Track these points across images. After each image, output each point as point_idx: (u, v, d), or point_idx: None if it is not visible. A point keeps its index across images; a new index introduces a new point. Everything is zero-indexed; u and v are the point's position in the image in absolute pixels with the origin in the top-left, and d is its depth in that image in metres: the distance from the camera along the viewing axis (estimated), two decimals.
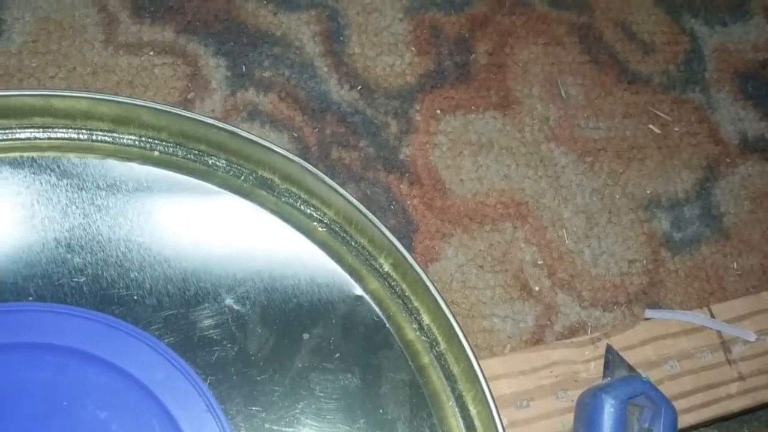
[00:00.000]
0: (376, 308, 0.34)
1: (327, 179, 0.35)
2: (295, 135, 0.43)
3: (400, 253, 0.34)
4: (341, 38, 0.47)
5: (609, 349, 0.36)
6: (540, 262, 0.44)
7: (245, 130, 0.35)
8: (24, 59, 0.41)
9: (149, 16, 0.44)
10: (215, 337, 0.32)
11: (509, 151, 0.47)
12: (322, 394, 0.31)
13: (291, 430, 0.31)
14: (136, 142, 0.36)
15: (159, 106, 0.35)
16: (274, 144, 0.35)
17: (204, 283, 0.33)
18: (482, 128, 0.47)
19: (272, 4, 0.47)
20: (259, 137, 0.35)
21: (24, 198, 0.33)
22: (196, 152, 0.36)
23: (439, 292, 0.33)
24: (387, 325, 0.34)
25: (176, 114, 0.35)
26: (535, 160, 0.47)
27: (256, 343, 0.32)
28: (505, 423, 0.33)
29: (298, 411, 0.31)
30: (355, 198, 0.35)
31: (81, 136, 0.35)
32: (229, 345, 0.32)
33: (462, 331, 0.32)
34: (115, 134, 0.36)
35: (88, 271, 0.32)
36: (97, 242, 0.33)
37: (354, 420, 0.31)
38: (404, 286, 0.35)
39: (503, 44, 0.50)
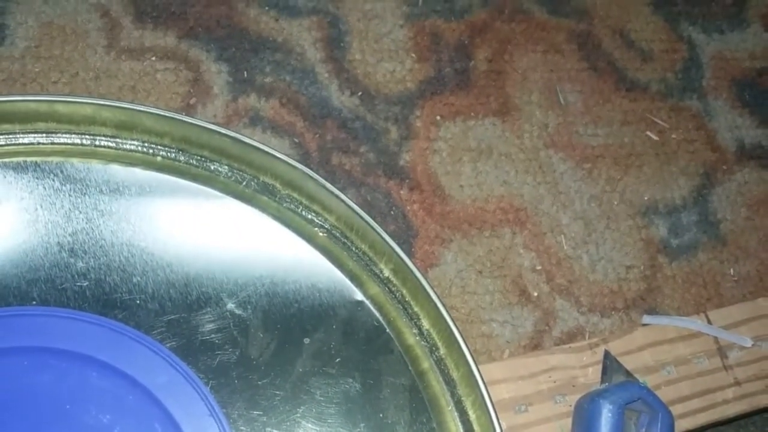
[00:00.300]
0: (377, 313, 0.35)
1: (328, 185, 0.35)
2: (296, 141, 0.44)
3: (401, 258, 0.35)
4: (342, 44, 0.47)
5: (607, 355, 0.36)
6: (538, 268, 0.44)
7: (247, 136, 0.35)
8: (27, 64, 0.42)
9: (151, 21, 0.44)
10: (217, 341, 0.32)
11: (508, 158, 0.47)
12: (322, 399, 0.32)
13: None
14: (139, 148, 0.36)
15: (162, 112, 0.35)
16: (275, 150, 0.35)
17: (206, 288, 0.33)
18: (482, 134, 0.47)
19: (274, 11, 0.47)
20: (261, 143, 0.35)
21: (27, 202, 0.33)
22: (199, 158, 0.36)
23: (438, 298, 0.34)
24: (387, 330, 0.34)
25: (179, 120, 0.35)
26: (533, 167, 0.47)
27: (258, 347, 0.32)
28: (504, 427, 0.34)
29: (298, 415, 0.31)
30: (356, 203, 0.35)
31: (84, 141, 0.36)
32: (230, 349, 0.32)
33: (461, 337, 0.33)
34: (118, 139, 0.36)
35: (91, 275, 0.32)
36: (100, 247, 0.33)
37: (354, 424, 0.31)
38: (404, 291, 0.35)
39: (503, 51, 0.50)
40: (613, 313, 0.43)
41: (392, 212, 0.43)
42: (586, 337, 0.41)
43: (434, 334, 0.35)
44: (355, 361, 0.33)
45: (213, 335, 0.32)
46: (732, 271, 0.47)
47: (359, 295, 0.35)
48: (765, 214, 0.50)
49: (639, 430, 0.34)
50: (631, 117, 0.51)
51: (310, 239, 0.36)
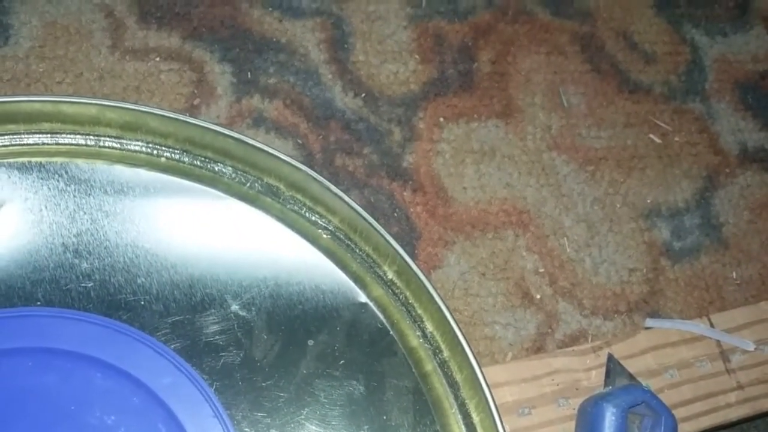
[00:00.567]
0: (380, 315, 0.35)
1: (332, 187, 0.35)
2: (300, 142, 0.44)
3: (404, 260, 0.35)
4: (346, 46, 0.47)
5: (610, 358, 0.36)
6: (541, 270, 0.44)
7: (250, 137, 0.35)
8: (31, 64, 0.42)
9: (156, 21, 0.44)
10: (221, 342, 0.32)
11: (511, 160, 0.47)
12: (326, 401, 0.32)
13: None
14: (144, 149, 0.36)
15: (166, 113, 0.35)
16: (279, 151, 0.36)
17: (210, 289, 0.33)
18: (485, 136, 0.47)
19: (278, 11, 0.47)
20: (265, 144, 0.35)
21: (32, 203, 0.33)
22: (203, 159, 0.37)
23: (442, 300, 0.34)
24: (391, 332, 0.34)
25: (183, 121, 0.35)
26: (536, 169, 0.47)
27: (262, 349, 0.32)
28: (507, 430, 0.34)
29: (302, 417, 0.31)
30: (359, 205, 0.35)
31: (89, 142, 0.36)
32: (234, 351, 0.32)
33: (465, 339, 0.33)
34: (122, 140, 0.36)
35: (95, 276, 0.32)
36: (105, 248, 0.33)
37: (358, 426, 0.32)
38: (408, 293, 0.35)
39: (506, 53, 0.50)
40: (615, 316, 0.43)
41: (395, 214, 0.43)
42: (589, 340, 0.41)
43: (438, 337, 0.35)
44: (358, 363, 0.33)
45: (217, 337, 0.32)
46: (734, 274, 0.47)
47: (363, 297, 0.35)
48: (767, 218, 0.50)
49: None
50: (634, 119, 0.51)
51: (313, 241, 0.36)
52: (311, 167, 0.35)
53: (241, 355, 0.32)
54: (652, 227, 0.48)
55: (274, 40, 0.46)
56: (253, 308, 0.33)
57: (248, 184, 0.37)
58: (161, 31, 0.44)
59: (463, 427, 0.33)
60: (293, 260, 0.35)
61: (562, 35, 0.52)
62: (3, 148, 0.35)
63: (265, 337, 0.33)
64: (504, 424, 0.32)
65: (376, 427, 0.32)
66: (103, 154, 0.36)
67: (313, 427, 0.31)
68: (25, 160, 0.35)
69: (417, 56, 0.49)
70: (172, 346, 0.31)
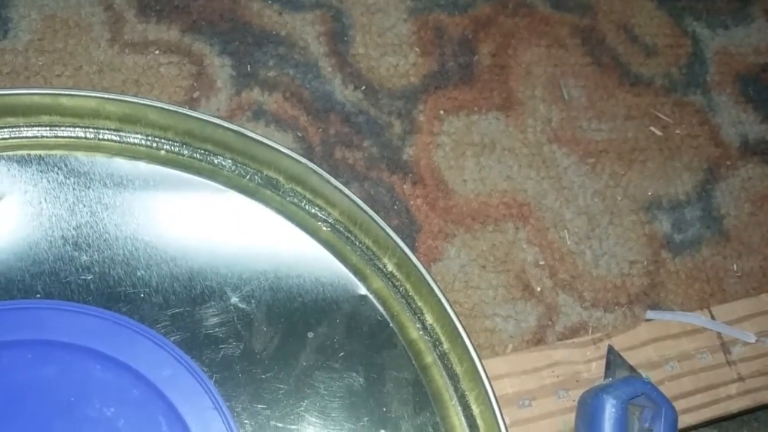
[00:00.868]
0: (380, 307, 0.35)
1: (332, 179, 0.35)
2: (300, 134, 0.44)
3: (404, 252, 0.34)
4: (345, 38, 0.47)
5: (610, 350, 0.36)
6: (542, 263, 0.44)
7: (250, 130, 0.35)
8: (30, 57, 0.42)
9: (155, 15, 0.44)
10: (221, 335, 0.32)
11: (512, 152, 0.47)
12: (326, 392, 0.32)
13: (295, 427, 0.31)
14: (143, 141, 0.36)
15: (165, 106, 0.35)
16: (279, 144, 0.35)
17: (210, 282, 0.33)
18: (485, 129, 0.47)
19: (277, 4, 0.47)
20: (265, 137, 0.35)
21: (31, 196, 0.33)
22: (202, 151, 0.36)
23: (442, 292, 0.34)
24: (390, 324, 0.34)
25: (182, 113, 0.35)
26: (537, 161, 0.47)
27: (262, 341, 0.32)
28: (507, 422, 0.34)
29: (302, 409, 0.31)
30: (359, 198, 0.35)
31: (88, 135, 0.36)
32: (234, 343, 0.32)
33: (465, 331, 0.33)
34: (122, 133, 0.36)
35: (95, 269, 0.32)
36: (104, 240, 0.33)
37: (358, 418, 0.32)
38: (408, 285, 0.35)
39: (506, 45, 0.50)
40: (616, 308, 0.43)
41: (395, 207, 0.43)
42: (590, 332, 0.41)
43: (438, 329, 0.35)
44: (358, 355, 0.33)
45: (217, 329, 0.32)
46: (735, 266, 0.47)
47: (363, 290, 0.35)
48: None
49: (642, 425, 0.34)
50: (635, 112, 0.51)
51: (313, 233, 0.36)
52: (311, 160, 0.35)
53: (241, 347, 0.32)
54: (652, 220, 0.47)
55: (274, 32, 0.46)
56: (252, 301, 0.33)
57: (248, 177, 0.36)
58: (160, 24, 0.44)
59: (463, 419, 0.33)
60: (293, 253, 0.35)
61: (563, 28, 0.52)
62: (2, 141, 0.35)
63: (265, 329, 0.33)
64: (504, 416, 0.32)
65: (376, 418, 0.32)
66: (103, 146, 0.36)
67: (313, 419, 0.31)
68: (24, 152, 0.35)
69: (417, 49, 0.48)
70: (172, 339, 0.31)
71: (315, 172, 0.35)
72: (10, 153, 0.34)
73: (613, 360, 0.36)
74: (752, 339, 0.40)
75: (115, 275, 0.32)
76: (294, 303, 0.34)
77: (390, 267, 0.36)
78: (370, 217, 0.35)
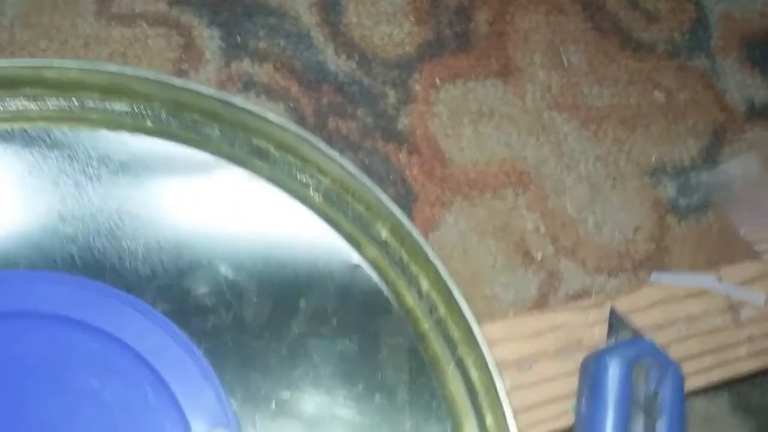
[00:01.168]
0: (375, 275, 0.34)
1: (322, 146, 0.34)
2: (292, 105, 0.43)
3: (398, 219, 0.34)
4: (338, 8, 0.46)
5: (613, 312, 0.35)
6: (542, 230, 0.43)
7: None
8: (16, 32, 0.41)
9: None
10: (210, 304, 0.31)
11: (510, 120, 0.46)
12: (319, 360, 0.31)
13: (288, 395, 0.30)
14: (128, 112, 0.35)
15: (150, 75, 0.34)
16: (268, 112, 0.35)
17: (198, 252, 0.32)
18: (483, 97, 0.46)
19: None
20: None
21: (15, 169, 0.33)
22: (190, 122, 0.36)
23: (438, 257, 0.33)
24: (385, 292, 0.33)
25: (167, 83, 0.34)
26: (537, 128, 0.46)
27: (252, 310, 0.32)
28: (508, 387, 0.33)
29: (295, 377, 0.30)
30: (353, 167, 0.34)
31: (72, 107, 0.35)
32: (224, 312, 0.31)
33: (462, 296, 0.32)
34: (106, 104, 0.35)
35: (79, 240, 0.31)
36: (89, 212, 0.32)
37: (352, 385, 0.31)
38: (403, 252, 0.34)
39: (504, 12, 0.49)
40: (620, 274, 0.42)
41: (391, 176, 0.42)
42: (593, 297, 0.40)
43: (434, 295, 0.34)
44: (352, 323, 0.32)
45: (206, 299, 0.31)
46: (742, 230, 0.46)
47: (356, 258, 0.34)
48: None
49: (648, 387, 0.32)
50: (638, 77, 0.50)
51: (305, 202, 0.35)
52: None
53: (231, 316, 0.31)
54: (657, 185, 0.46)
55: (264, 3, 0.45)
56: (242, 270, 0.32)
57: (236, 146, 0.36)
58: None
59: (461, 384, 0.32)
60: (284, 222, 0.34)
61: None
62: None
63: (255, 298, 0.32)
64: (504, 380, 0.31)
65: (371, 385, 0.31)
66: (87, 118, 0.35)
67: (306, 387, 0.30)
68: (6, 126, 0.34)
69: (412, 18, 0.47)
70: (159, 309, 0.30)
71: (305, 139, 0.34)
72: None
73: (616, 322, 0.35)
74: (761, 300, 0.39)
75: (101, 246, 0.31)
76: (285, 272, 0.33)
77: (384, 234, 0.35)
78: (363, 183, 0.34)
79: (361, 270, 0.34)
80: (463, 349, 0.32)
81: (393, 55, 0.46)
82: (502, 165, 0.44)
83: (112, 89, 0.35)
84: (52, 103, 0.35)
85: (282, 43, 0.44)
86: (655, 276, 0.38)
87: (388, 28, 0.47)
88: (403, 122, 0.44)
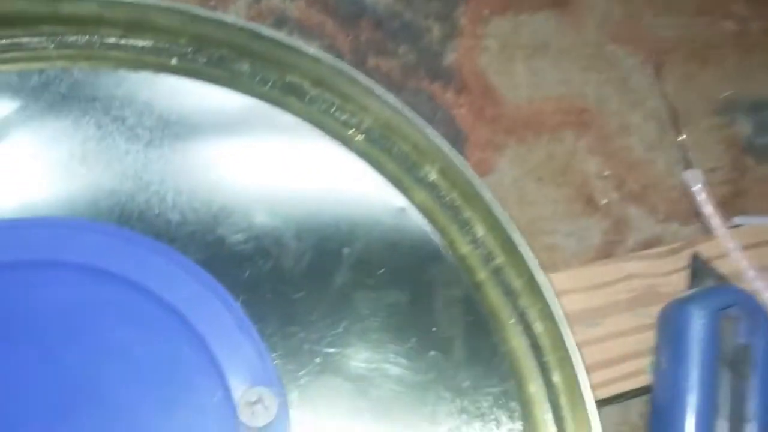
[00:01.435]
0: (424, 220, 0.30)
1: (362, 78, 0.31)
2: (327, 43, 0.39)
3: (448, 157, 0.30)
4: None
5: (696, 257, 0.31)
6: (607, 174, 0.39)
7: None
8: None
9: None
10: (246, 253, 0.29)
11: (568, 54, 0.42)
12: (366, 312, 0.28)
13: (333, 350, 0.27)
14: (152, 48, 0.32)
15: (174, 5, 0.31)
16: (302, 43, 0.31)
17: (231, 196, 0.29)
18: (536, 29, 0.42)
19: None
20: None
21: (32, 111, 0.30)
22: (218, 58, 0.33)
23: (495, 198, 0.29)
24: (436, 239, 0.30)
25: (193, 14, 0.31)
26: (597, 63, 0.42)
27: (291, 259, 0.29)
28: (575, 342, 0.29)
29: (341, 330, 0.28)
30: None
31: (92, 44, 0.32)
32: (261, 262, 0.28)
33: (523, 240, 0.28)
34: (129, 40, 0.32)
35: (103, 185, 0.29)
36: (113, 154, 0.30)
37: (403, 340, 0.28)
38: (454, 195, 0.31)
39: None
40: (695, 220, 0.38)
41: (437, 117, 0.39)
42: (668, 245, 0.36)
43: (490, 241, 0.30)
44: (401, 272, 0.29)
45: (241, 247, 0.29)
46: None
47: (403, 201, 0.31)
48: None
49: (737, 341, 0.29)
50: (707, 6, 0.45)
51: (345, 142, 0.32)
52: None
53: (269, 265, 0.28)
54: (731, 122, 0.42)
55: None
56: (279, 215, 0.29)
57: (270, 84, 0.33)
58: None
59: (524, 338, 0.28)
60: (323, 164, 0.31)
61: None
62: (1, 54, 0.32)
63: (295, 245, 0.29)
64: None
65: (424, 340, 0.28)
66: (108, 56, 0.32)
67: (354, 340, 0.27)
68: (23, 65, 0.31)
69: None
70: (192, 258, 0.28)
71: (343, 72, 0.31)
72: (10, 66, 0.31)
73: (699, 269, 0.31)
74: None
75: (127, 191, 0.29)
76: (326, 217, 0.30)
77: (433, 175, 0.31)
78: (408, 119, 0.31)
79: (408, 215, 0.30)
80: (525, 300, 0.29)
81: None
82: (559, 103, 0.40)
83: (135, 24, 0.32)
84: (71, 41, 0.32)
85: None
86: (738, 219, 0.34)
87: None
88: (450, 58, 0.40)
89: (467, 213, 0.31)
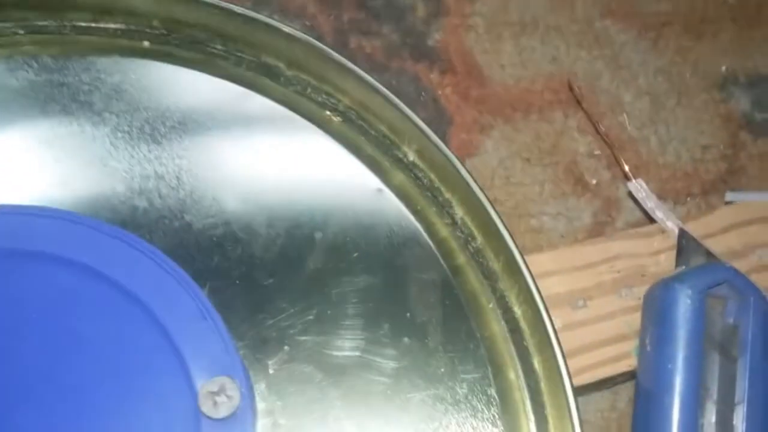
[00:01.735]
0: (401, 203, 0.30)
1: (339, 58, 0.30)
2: (308, 24, 0.38)
3: (426, 138, 0.29)
4: None
5: (683, 234, 0.30)
6: (597, 153, 0.38)
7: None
8: None
9: None
10: (215, 239, 0.28)
11: (558, 31, 0.40)
12: (338, 299, 0.27)
13: (304, 338, 0.26)
14: (125, 32, 0.32)
15: None
16: (275, 21, 0.30)
17: (200, 180, 0.29)
18: (524, 6, 0.41)
19: None
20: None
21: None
22: (190, 40, 0.32)
23: (473, 179, 0.28)
24: (414, 221, 0.29)
25: None
26: (588, 40, 0.40)
27: (262, 244, 0.28)
28: (558, 325, 0.28)
29: (312, 317, 0.27)
30: None
31: (63, 28, 0.32)
32: (230, 248, 0.28)
33: (501, 220, 0.27)
34: (100, 24, 0.32)
35: (67, 170, 0.28)
36: (80, 140, 0.29)
37: (377, 326, 0.27)
38: (432, 175, 0.30)
39: None
40: (688, 199, 0.37)
41: (422, 98, 0.38)
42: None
43: (469, 222, 0.29)
44: (376, 256, 0.28)
45: (210, 232, 0.28)
46: None
47: (380, 184, 0.30)
48: None
49: (726, 321, 0.27)
50: None
51: (320, 124, 0.31)
52: None
53: (239, 251, 0.28)
54: (728, 98, 0.40)
55: None
56: (250, 200, 0.29)
57: (244, 65, 0.32)
58: None
59: (503, 323, 0.27)
60: (296, 146, 0.30)
61: None
62: None
63: (266, 230, 0.28)
64: (555, 318, 0.26)
65: (399, 326, 0.27)
66: (78, 41, 0.32)
67: (325, 328, 0.27)
68: None
69: None
70: (158, 245, 0.27)
71: (319, 51, 0.30)
72: None
73: (687, 246, 0.29)
74: None
75: (92, 177, 0.28)
76: (299, 201, 0.29)
77: (411, 156, 0.30)
78: (385, 99, 0.30)
79: (384, 197, 0.29)
80: (504, 283, 0.28)
81: None
82: (548, 81, 0.39)
83: (105, 7, 0.31)
84: (42, 26, 0.32)
85: None
86: (730, 195, 0.33)
87: None
88: (435, 38, 0.39)
89: (446, 194, 0.30)
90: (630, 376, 0.30)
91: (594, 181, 0.37)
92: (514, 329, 0.27)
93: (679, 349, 0.26)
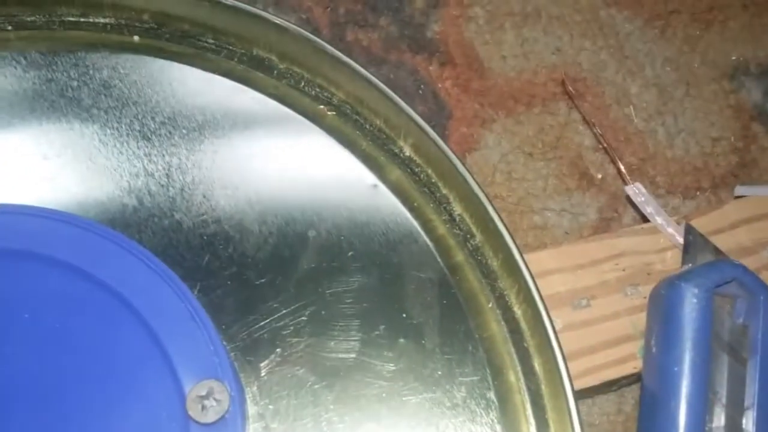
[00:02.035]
0: (397, 199, 0.29)
1: (332, 50, 0.29)
2: (304, 17, 0.38)
3: (423, 132, 0.28)
4: None
5: (689, 230, 0.29)
6: (603, 146, 0.37)
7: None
8: None
9: None
10: (205, 238, 0.27)
11: (560, 21, 0.39)
12: (332, 298, 0.26)
13: (297, 340, 0.26)
14: (115, 26, 0.31)
15: None
16: (266, 13, 0.30)
17: (191, 178, 0.28)
18: None
19: None
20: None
21: None
22: (181, 34, 0.31)
23: (471, 174, 0.27)
24: (411, 218, 0.28)
25: None
26: (592, 29, 0.39)
27: (254, 242, 0.27)
28: (560, 326, 0.27)
29: (305, 318, 0.26)
30: None
31: (51, 23, 0.31)
32: (221, 247, 0.27)
33: (499, 217, 0.26)
34: (88, 19, 0.31)
35: (55, 168, 0.27)
36: (68, 137, 0.28)
37: (372, 327, 0.26)
38: (429, 171, 0.29)
39: None
40: (698, 193, 0.36)
41: (420, 91, 0.37)
42: None
43: (468, 219, 0.28)
44: (371, 255, 0.27)
45: (200, 231, 0.27)
46: None
47: (376, 180, 0.29)
48: None
49: (735, 321, 0.26)
50: None
51: (314, 119, 0.30)
52: None
53: (230, 250, 0.27)
54: (739, 88, 0.39)
55: None
56: (241, 197, 0.28)
57: (235, 59, 0.31)
58: None
59: (503, 323, 0.26)
60: (290, 142, 0.29)
61: None
62: None
63: (258, 228, 0.27)
64: (556, 318, 0.26)
65: (395, 327, 0.26)
66: (67, 36, 0.31)
67: (318, 329, 0.26)
68: None
69: None
70: (147, 244, 0.26)
71: (311, 43, 0.29)
72: None
73: (694, 242, 0.28)
74: None
75: (79, 175, 0.27)
76: (292, 198, 0.28)
77: (407, 151, 0.30)
78: (380, 93, 0.29)
79: (380, 193, 0.29)
80: (504, 282, 0.27)
81: None
82: (552, 73, 0.38)
83: (95, 1, 0.31)
84: (30, 21, 0.31)
85: None
86: (740, 189, 0.32)
87: None
88: (434, 29, 0.38)
89: (443, 190, 0.29)
90: (636, 378, 0.29)
91: (599, 176, 0.36)
92: (514, 330, 0.26)
93: (686, 351, 0.24)
